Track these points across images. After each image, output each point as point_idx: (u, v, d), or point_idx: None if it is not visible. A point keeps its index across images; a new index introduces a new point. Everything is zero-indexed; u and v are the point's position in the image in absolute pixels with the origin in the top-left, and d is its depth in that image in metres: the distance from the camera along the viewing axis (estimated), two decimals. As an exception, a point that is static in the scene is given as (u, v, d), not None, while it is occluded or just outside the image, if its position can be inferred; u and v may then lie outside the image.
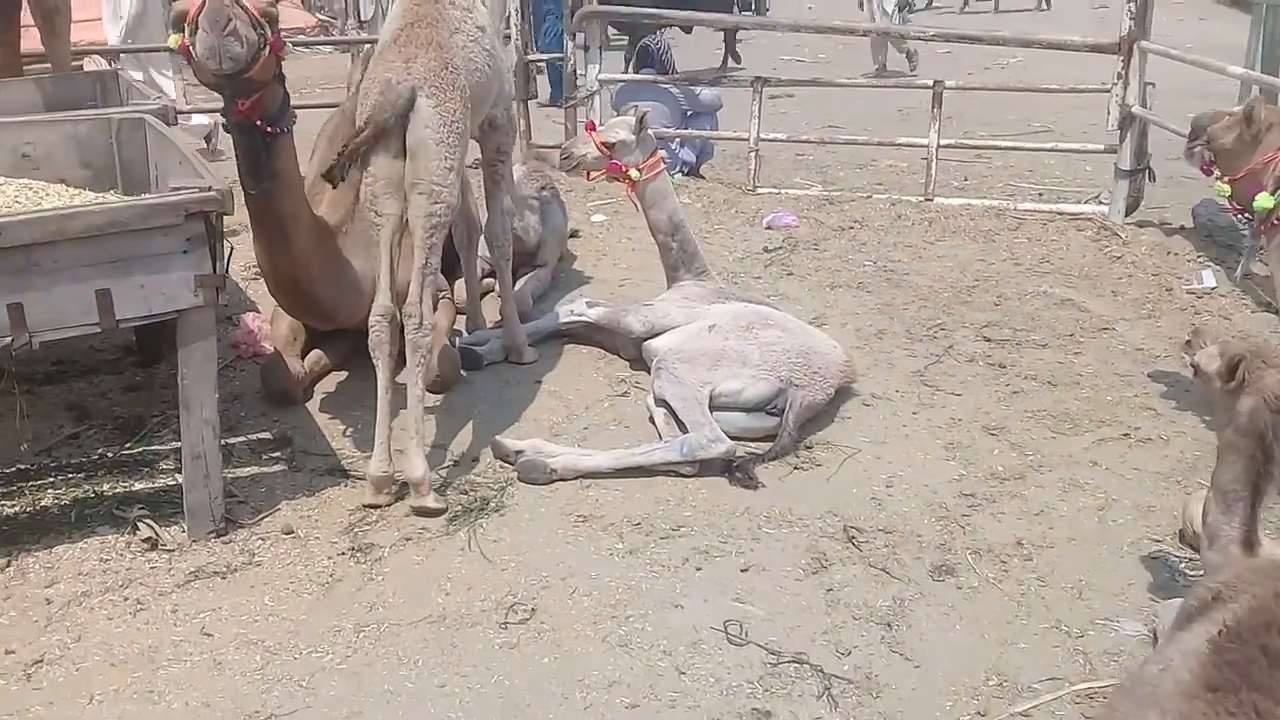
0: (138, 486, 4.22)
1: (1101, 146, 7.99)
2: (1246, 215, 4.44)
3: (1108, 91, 7.75)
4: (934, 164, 8.15)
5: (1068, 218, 7.91)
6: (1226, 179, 4.50)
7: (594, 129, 5.42)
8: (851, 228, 7.73)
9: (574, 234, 7.34)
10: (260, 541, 3.91)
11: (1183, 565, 3.93)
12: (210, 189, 3.52)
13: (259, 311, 5.72)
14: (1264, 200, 4.22)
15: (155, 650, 3.34)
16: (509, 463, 4.46)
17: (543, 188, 6.62)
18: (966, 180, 9.29)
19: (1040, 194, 8.84)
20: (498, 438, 4.56)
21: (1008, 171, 9.64)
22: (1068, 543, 4.09)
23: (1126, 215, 7.68)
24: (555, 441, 4.59)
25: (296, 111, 4.15)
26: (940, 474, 4.54)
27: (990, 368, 5.55)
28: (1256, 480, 3.17)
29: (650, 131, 5.38)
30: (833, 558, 3.92)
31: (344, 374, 5.24)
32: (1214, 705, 2.33)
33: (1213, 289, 6.54)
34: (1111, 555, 4.01)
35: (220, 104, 3.91)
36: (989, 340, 5.87)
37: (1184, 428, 4.93)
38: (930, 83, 8.21)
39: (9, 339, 3.32)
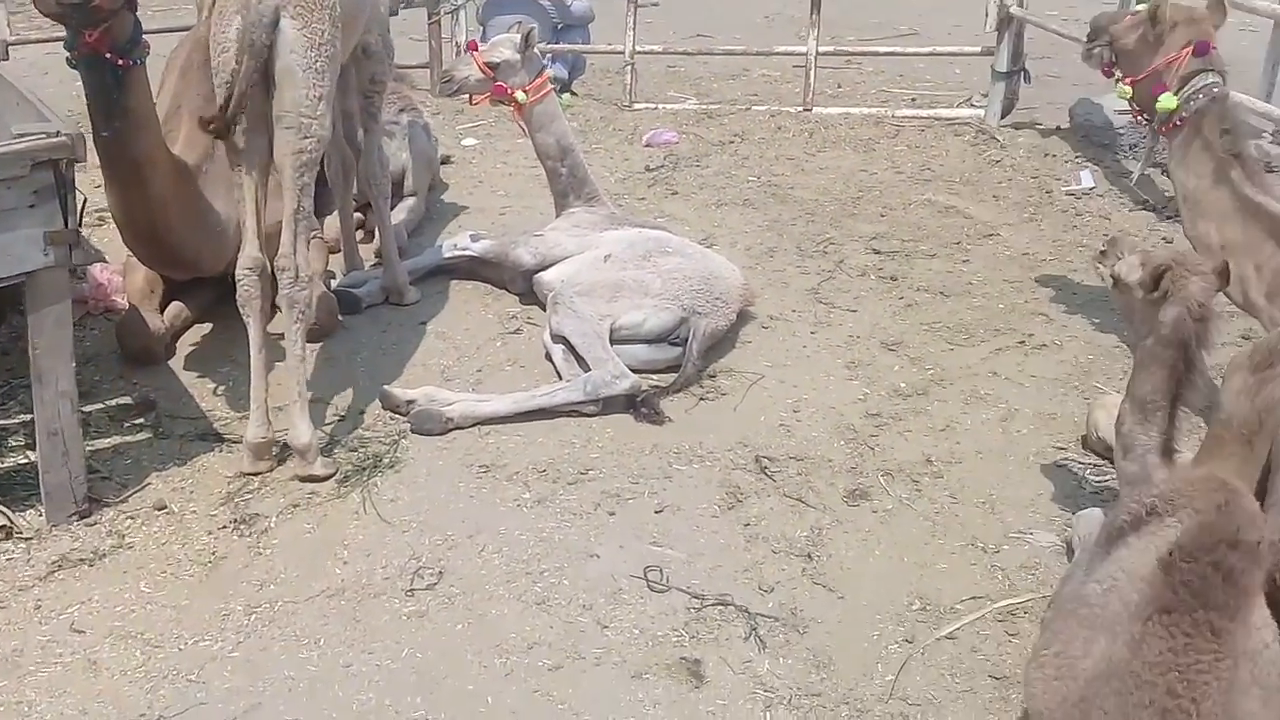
0: (-16, 468, 3.81)
1: (978, 49, 7.95)
2: (1147, 117, 4.39)
3: (986, -7, 7.70)
4: (813, 73, 8.00)
5: (945, 123, 7.89)
6: (1128, 80, 4.43)
7: (476, 48, 5.06)
8: (732, 142, 7.55)
9: (445, 160, 6.96)
10: (130, 521, 3.56)
11: (1087, 473, 3.95)
12: (59, 133, 3.10)
13: (107, 262, 5.22)
14: (1167, 101, 4.17)
15: (20, 654, 3.00)
16: (400, 414, 4.19)
17: (402, 109, 6.19)
18: (840, 88, 9.18)
19: (914, 99, 8.80)
20: (386, 387, 4.28)
21: (879, 77, 9.56)
22: (975, 457, 4.07)
23: (1002, 118, 7.69)
24: (448, 387, 4.33)
25: (149, 41, 3.70)
26: (845, 395, 4.46)
27: (883, 281, 5.49)
28: (1177, 390, 3.14)
29: (536, 50, 5.05)
30: (747, 490, 3.81)
31: (208, 326, 4.84)
32: (1169, 626, 2.30)
33: (1091, 189, 6.61)
34: (1018, 466, 4.01)
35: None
36: (879, 253, 5.80)
37: (1076, 332, 4.97)
38: (807, -13, 8.00)
39: None
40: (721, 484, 3.84)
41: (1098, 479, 3.90)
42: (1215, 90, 4.18)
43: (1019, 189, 6.67)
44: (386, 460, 3.92)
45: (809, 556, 3.51)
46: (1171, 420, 3.16)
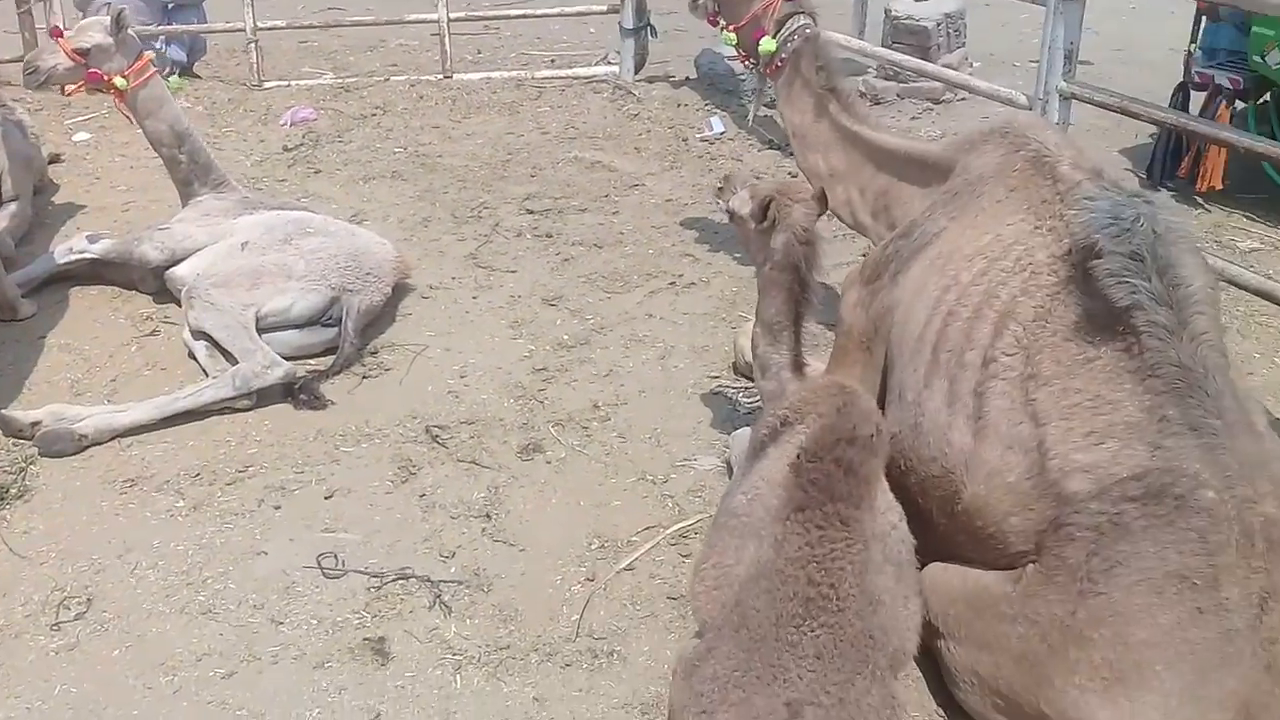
0: None
1: (605, 7, 8.17)
2: (753, 61, 4.68)
3: (603, -49, 7.91)
4: (447, 39, 7.92)
5: (584, 81, 8.07)
6: (731, 27, 4.70)
7: (61, 34, 4.60)
8: (374, 114, 7.36)
9: (55, 159, 6.33)
10: None
11: (740, 396, 4.21)
12: None
13: None
14: (766, 44, 4.46)
15: None
16: (25, 438, 3.80)
17: (-15, 108, 5.57)
18: (480, 53, 9.17)
19: (553, 60, 8.94)
20: (3, 411, 3.86)
21: (518, 40, 9.63)
22: (639, 396, 4.23)
23: (636, 73, 7.97)
24: (79, 402, 3.97)
25: None
26: (510, 354, 4.50)
27: (539, 239, 5.57)
28: (798, 310, 3.40)
29: (131, 31, 4.66)
30: (420, 462, 3.77)
31: None
32: (804, 523, 2.50)
33: (722, 133, 7.00)
34: (679, 399, 4.21)
35: None
36: (532, 212, 5.88)
37: (720, 268, 5.26)
38: (428, -47, 7.89)
39: None
40: (393, 459, 3.78)
41: (749, 401, 4.16)
42: (807, 31, 4.52)
43: (658, 139, 6.95)
44: (14, 490, 3.56)
45: (488, 516, 3.53)
46: (797, 338, 3.41)
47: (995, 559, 2.71)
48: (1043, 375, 2.71)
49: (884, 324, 3.55)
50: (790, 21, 4.51)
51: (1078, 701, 2.33)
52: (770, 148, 6.78)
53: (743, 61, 4.95)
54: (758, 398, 4.16)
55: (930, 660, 2.81)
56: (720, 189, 3.70)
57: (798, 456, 2.59)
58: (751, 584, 2.51)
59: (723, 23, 4.79)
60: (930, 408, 2.97)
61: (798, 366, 3.42)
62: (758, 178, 3.83)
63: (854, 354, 3.67)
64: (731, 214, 3.53)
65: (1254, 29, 5.71)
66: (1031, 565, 2.57)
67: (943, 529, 2.88)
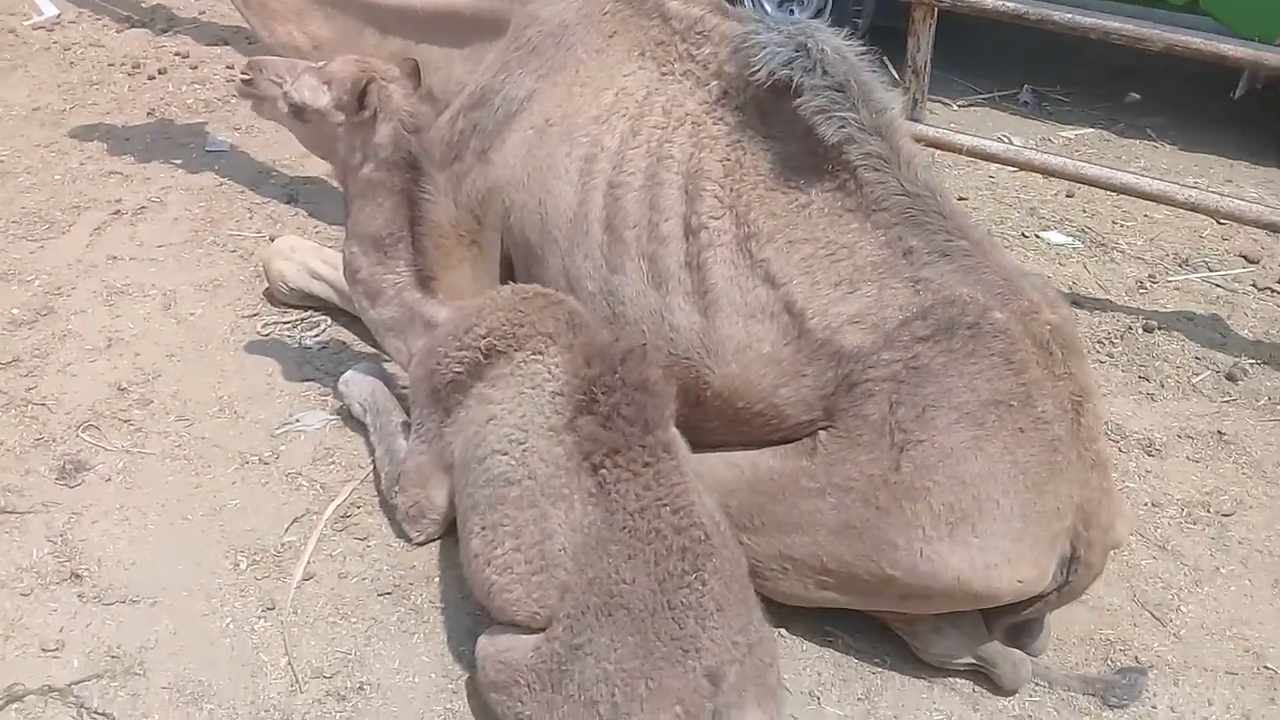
0: None
1: None
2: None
3: None
4: None
5: None
6: None
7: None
8: None
9: None
10: None
11: (301, 331, 3.50)
12: None
13: None
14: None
15: None
16: None
17: None
18: None
19: None
20: None
21: None
22: (170, 362, 3.33)
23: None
24: None
25: None
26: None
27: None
28: (415, 213, 2.81)
29: None
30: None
31: None
32: (627, 465, 2.08)
33: (58, 16, 5.58)
34: (225, 353, 3.39)
35: None
36: None
37: (166, 182, 4.25)
38: None
39: None
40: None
41: (315, 336, 3.47)
42: None
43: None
44: None
45: (77, 577, 2.57)
46: (418, 248, 2.85)
47: (766, 435, 2.53)
48: (762, 232, 2.54)
49: (489, 210, 3.10)
50: None
51: (928, 553, 2.28)
52: (135, 26, 5.57)
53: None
54: (322, 331, 3.48)
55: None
56: (249, 81, 2.92)
57: (587, 391, 2.14)
58: (595, 555, 2.06)
59: None
60: (630, 293, 2.67)
61: (425, 283, 2.89)
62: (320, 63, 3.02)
63: (456, 252, 3.17)
64: (298, 108, 2.79)
65: None
66: (823, 432, 2.43)
67: (687, 417, 2.64)
